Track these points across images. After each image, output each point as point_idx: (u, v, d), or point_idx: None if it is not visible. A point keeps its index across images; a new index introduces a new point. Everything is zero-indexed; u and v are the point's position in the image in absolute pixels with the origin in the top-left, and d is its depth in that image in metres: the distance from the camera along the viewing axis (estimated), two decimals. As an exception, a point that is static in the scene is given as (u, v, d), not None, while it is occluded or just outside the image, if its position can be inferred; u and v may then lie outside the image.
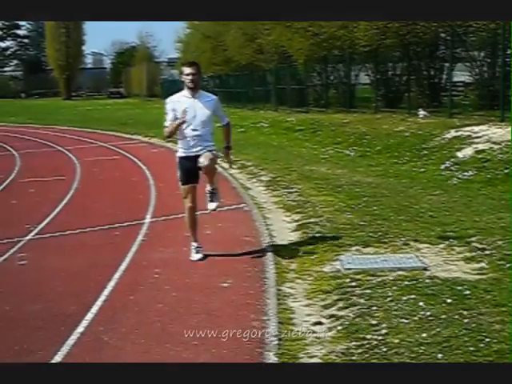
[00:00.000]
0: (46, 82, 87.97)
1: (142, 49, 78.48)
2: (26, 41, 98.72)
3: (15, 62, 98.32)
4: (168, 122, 7.46)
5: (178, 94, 7.56)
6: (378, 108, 23.44)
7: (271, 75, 34.34)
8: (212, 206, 7.63)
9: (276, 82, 33.36)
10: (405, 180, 12.68)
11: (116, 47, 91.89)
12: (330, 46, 26.57)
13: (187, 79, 7.33)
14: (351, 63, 26.63)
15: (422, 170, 13.70)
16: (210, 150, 7.39)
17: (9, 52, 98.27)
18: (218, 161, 7.90)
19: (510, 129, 13.86)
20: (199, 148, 7.39)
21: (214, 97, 7.65)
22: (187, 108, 7.29)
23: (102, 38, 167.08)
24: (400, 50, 23.45)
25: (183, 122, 7.31)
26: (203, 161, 7.25)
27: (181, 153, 7.56)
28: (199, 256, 7.63)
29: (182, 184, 7.56)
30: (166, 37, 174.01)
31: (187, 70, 7.34)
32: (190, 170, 7.44)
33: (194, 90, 7.39)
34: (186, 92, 7.45)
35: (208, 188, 7.60)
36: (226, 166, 7.70)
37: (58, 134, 29.49)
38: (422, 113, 19.73)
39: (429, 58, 23.05)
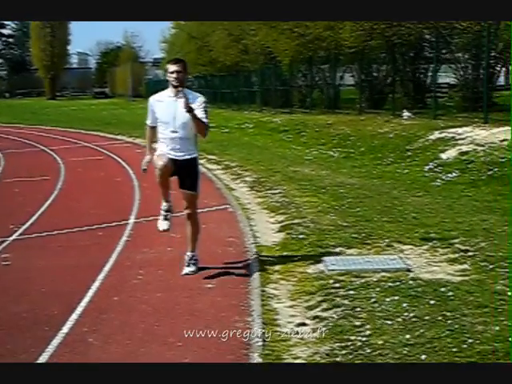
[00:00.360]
0: (30, 81, 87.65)
1: (127, 49, 78.42)
2: (10, 40, 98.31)
3: (0, 61, 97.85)
4: (149, 123, 7.12)
5: (161, 93, 7.13)
6: (362, 109, 23.48)
7: (256, 76, 34.38)
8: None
9: (261, 82, 33.43)
10: (388, 181, 12.73)
11: (101, 47, 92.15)
12: (316, 47, 26.60)
13: (171, 77, 6.79)
14: (336, 64, 26.69)
15: (406, 171, 13.76)
16: (192, 158, 7.03)
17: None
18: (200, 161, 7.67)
19: (493, 130, 13.96)
20: (179, 153, 6.92)
21: (198, 96, 7.01)
22: (168, 108, 6.88)
23: (87, 38, 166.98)
24: (385, 51, 23.55)
25: (144, 171, 7.11)
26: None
27: None
28: (166, 225, 7.27)
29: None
30: (151, 37, 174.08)
31: (172, 67, 6.80)
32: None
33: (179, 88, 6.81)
34: (169, 91, 6.96)
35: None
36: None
37: (42, 133, 29.37)
38: (406, 114, 19.78)
39: (414, 59, 23.17)
